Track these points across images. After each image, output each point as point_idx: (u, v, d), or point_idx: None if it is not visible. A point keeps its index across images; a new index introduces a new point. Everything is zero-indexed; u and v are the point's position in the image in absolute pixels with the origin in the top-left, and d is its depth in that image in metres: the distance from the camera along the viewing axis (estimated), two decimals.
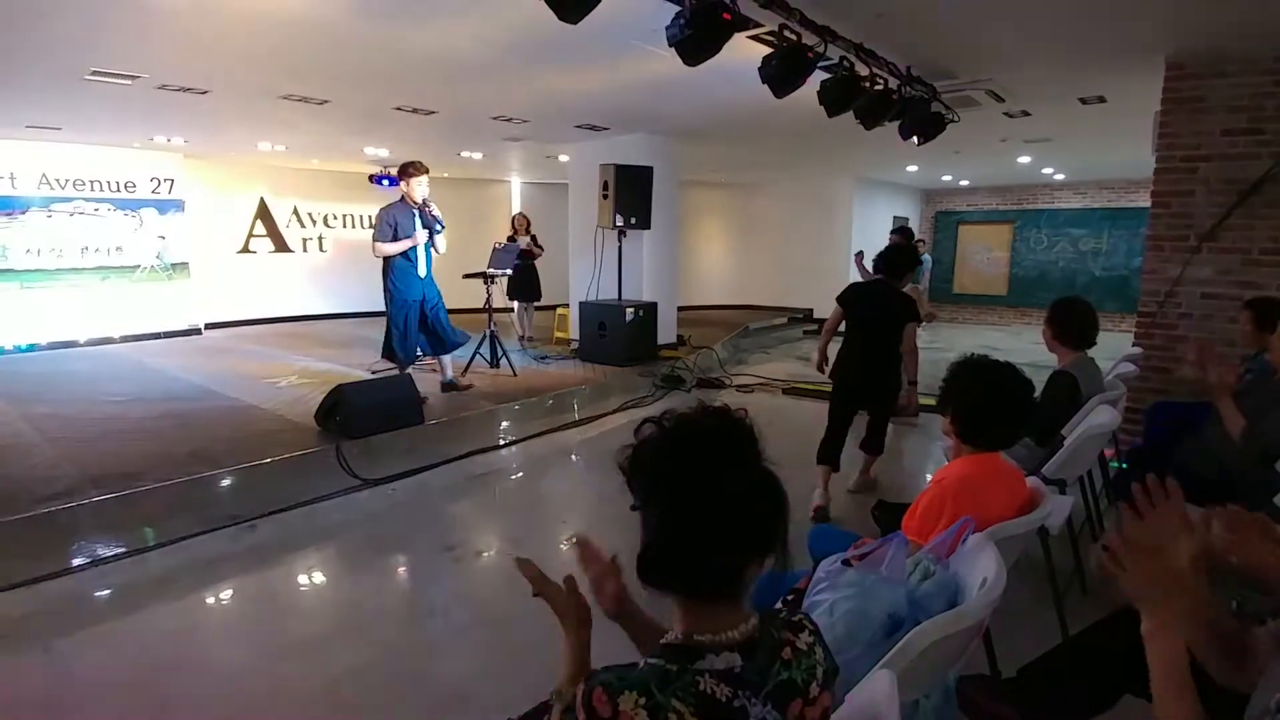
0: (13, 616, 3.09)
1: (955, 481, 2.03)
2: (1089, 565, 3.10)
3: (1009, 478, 2.12)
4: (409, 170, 5.73)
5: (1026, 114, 6.62)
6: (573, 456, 5.85)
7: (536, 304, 9.64)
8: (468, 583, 3.55)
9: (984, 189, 14.09)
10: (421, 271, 5.86)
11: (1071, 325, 3.36)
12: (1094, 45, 4.53)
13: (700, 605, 1.02)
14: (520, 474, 5.39)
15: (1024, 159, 9.92)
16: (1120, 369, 4.11)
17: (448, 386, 6.36)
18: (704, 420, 1.07)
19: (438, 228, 5.82)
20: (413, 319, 5.89)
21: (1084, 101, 6.04)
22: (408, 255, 5.76)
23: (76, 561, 3.55)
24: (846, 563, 1.78)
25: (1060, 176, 12.26)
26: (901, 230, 8.64)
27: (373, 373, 6.49)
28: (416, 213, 5.74)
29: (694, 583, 1.02)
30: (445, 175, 11.49)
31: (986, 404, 2.09)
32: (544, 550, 3.89)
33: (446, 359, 6.38)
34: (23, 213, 8.66)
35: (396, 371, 5.88)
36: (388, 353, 6.06)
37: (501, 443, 5.78)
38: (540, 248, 9.39)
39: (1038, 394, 2.35)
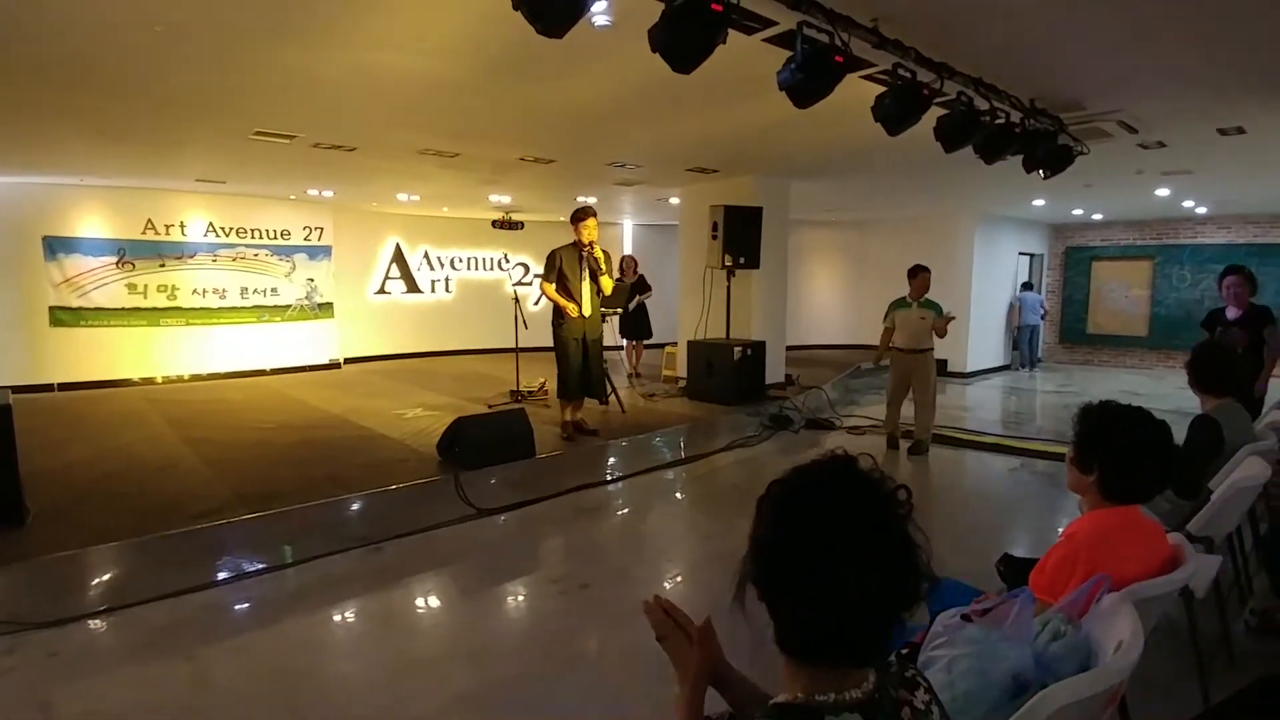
0: (160, 625, 3.38)
1: (1089, 536, 1.89)
2: (1236, 632, 2.79)
3: (1148, 533, 1.95)
4: (575, 215, 6.06)
5: (1162, 145, 6.17)
6: (678, 494, 5.85)
7: (647, 342, 9.82)
8: (573, 616, 3.61)
9: (1119, 223, 13.13)
10: (586, 311, 6.11)
11: (1213, 369, 3.09)
12: (1228, 75, 4.22)
13: (828, 668, 0.98)
14: (626, 510, 5.45)
15: (1162, 191, 9.20)
16: (1272, 417, 3.70)
17: (578, 429, 6.36)
18: (834, 484, 0.99)
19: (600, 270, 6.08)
20: (576, 357, 6.12)
21: (1223, 132, 5.59)
22: (569, 296, 6.05)
23: (220, 575, 3.87)
24: (966, 618, 1.69)
25: (1203, 210, 11.28)
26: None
27: (490, 407, 6.79)
28: (582, 255, 6.03)
29: (841, 653, 0.97)
30: (560, 219, 12.00)
31: (1134, 455, 1.90)
32: (649, 588, 3.90)
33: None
34: (191, 257, 9.74)
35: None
36: (560, 391, 6.30)
37: (608, 478, 5.87)
38: (648, 286, 9.62)
39: (1177, 441, 2.15)
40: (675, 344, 9.52)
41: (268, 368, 10.34)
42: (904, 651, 1.75)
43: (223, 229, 9.96)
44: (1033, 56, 4.04)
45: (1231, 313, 4.88)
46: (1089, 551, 1.83)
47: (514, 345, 8.20)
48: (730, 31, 2.99)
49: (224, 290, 10.03)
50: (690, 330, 8.56)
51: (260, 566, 3.98)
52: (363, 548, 4.28)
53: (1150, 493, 1.98)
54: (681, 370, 8.88)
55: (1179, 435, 2.08)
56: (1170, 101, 4.85)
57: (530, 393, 7.91)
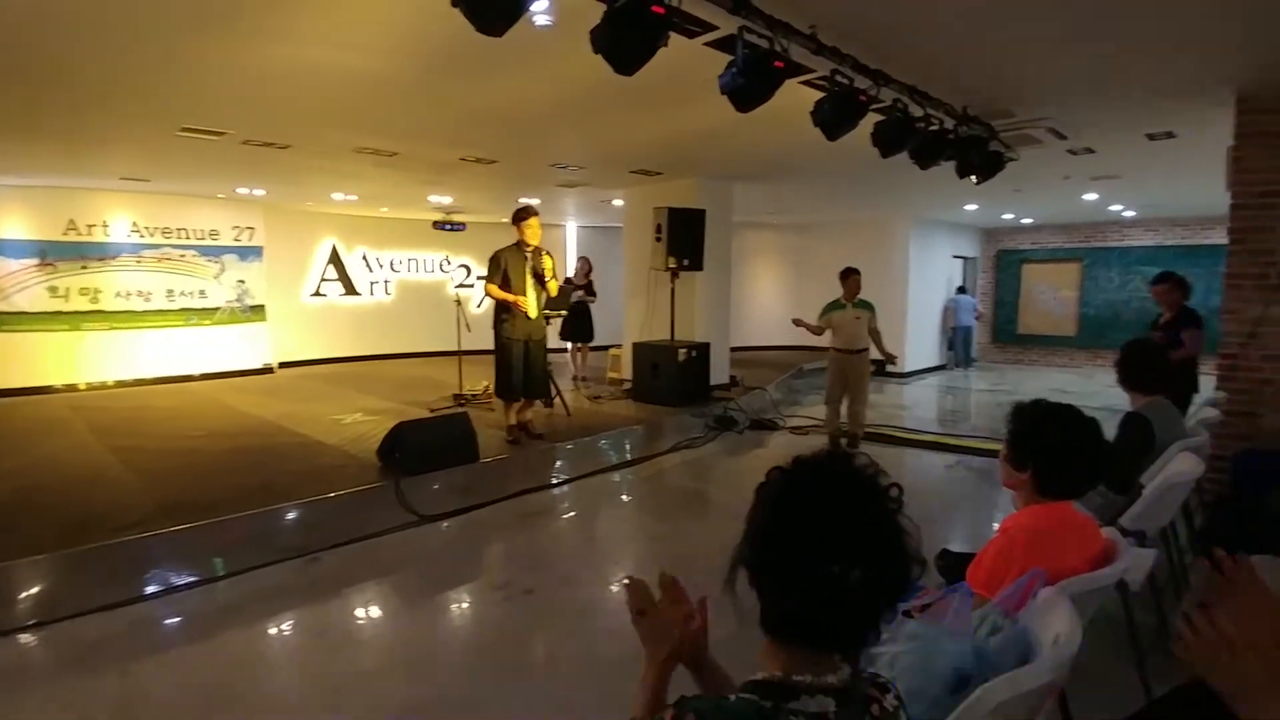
0: (90, 640, 3.23)
1: (1025, 531, 1.94)
2: (1173, 624, 2.91)
3: (1082, 528, 2.01)
4: (516, 216, 5.96)
5: (1091, 151, 6.45)
6: (624, 496, 5.83)
7: (590, 345, 9.77)
8: (517, 622, 3.55)
9: (1049, 227, 13.71)
10: (531, 313, 6.00)
11: (1142, 367, 3.22)
12: (1157, 81, 4.42)
13: (808, 650, 1.00)
14: (572, 513, 5.40)
15: (1090, 196, 9.64)
16: (1203, 414, 3.90)
17: (525, 431, 6.24)
18: (838, 473, 1.02)
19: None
20: (518, 358, 6.02)
21: (1152, 137, 5.87)
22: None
23: (150, 589, 3.70)
24: (908, 614, 1.71)
25: (1130, 214, 11.86)
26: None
27: (432, 411, 6.64)
28: (526, 256, 5.94)
29: (827, 639, 1.00)
30: (503, 220, 11.85)
31: (1066, 452, 1.95)
32: (594, 592, 3.87)
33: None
34: (114, 258, 9.26)
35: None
36: (499, 391, 6.20)
37: (554, 481, 5.81)
38: (592, 294, 9.58)
39: (1107, 438, 2.23)
40: (620, 346, 9.50)
41: (196, 373, 9.88)
42: None
43: (147, 229, 9.50)
44: (964, 65, 4.17)
45: (1165, 317, 5.13)
46: (1025, 546, 1.88)
47: (456, 348, 8.04)
48: (672, 35, 2.98)
49: (149, 293, 9.57)
50: (635, 332, 8.56)
51: (191, 579, 3.81)
52: (298, 558, 4.12)
53: (1082, 488, 2.03)
54: (627, 372, 8.87)
55: (1109, 432, 2.15)
56: (1099, 108, 5.06)
57: (474, 396, 7.78)
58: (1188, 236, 12.36)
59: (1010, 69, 4.23)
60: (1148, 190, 9.32)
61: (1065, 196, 9.75)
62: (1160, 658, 2.76)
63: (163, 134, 5.80)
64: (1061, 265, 13.70)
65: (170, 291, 9.74)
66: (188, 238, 9.83)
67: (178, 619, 3.51)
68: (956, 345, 13.50)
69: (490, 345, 6.18)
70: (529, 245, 5.92)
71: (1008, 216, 12.61)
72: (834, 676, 0.98)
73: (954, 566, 2.58)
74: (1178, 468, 2.74)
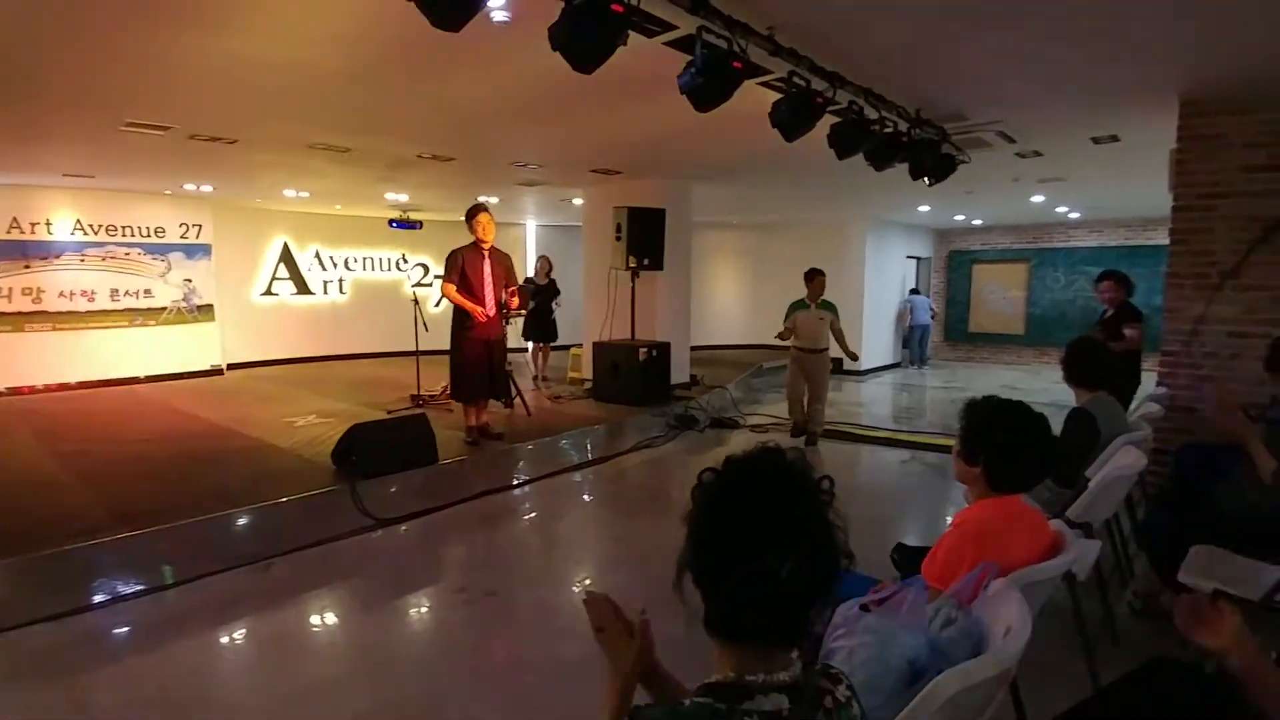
0: (36, 651, 3.12)
1: (976, 525, 1.99)
2: (1119, 612, 3.02)
3: (1031, 521, 2.07)
4: (468, 214, 5.91)
5: (1038, 154, 6.64)
6: (585, 497, 5.81)
7: (551, 344, 9.72)
8: (478, 626, 3.50)
9: (998, 228, 14.09)
10: (490, 312, 5.94)
11: (1086, 364, 3.33)
12: (1103, 86, 4.55)
13: (758, 648, 1.01)
14: (533, 514, 5.36)
15: (1037, 198, 9.93)
16: (1146, 409, 4.04)
17: (483, 433, 6.16)
18: (766, 470, 1.04)
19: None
20: (478, 358, 5.95)
21: (1097, 141, 6.06)
22: (472, 296, 5.87)
23: (98, 598, 3.57)
24: (865, 607, 1.74)
25: (1075, 215, 12.25)
26: None
27: (389, 413, 6.53)
28: (484, 255, 5.88)
29: (768, 633, 1.00)
30: (462, 218, 11.73)
31: (1016, 447, 2.01)
32: (557, 593, 3.84)
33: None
34: (57, 257, 8.92)
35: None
36: (455, 393, 6.12)
37: (515, 483, 5.76)
38: (557, 292, 9.52)
39: (1054, 433, 2.30)
40: (580, 346, 9.47)
41: (142, 375, 9.56)
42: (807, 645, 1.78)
43: (91, 226, 9.16)
44: (916, 69, 4.25)
45: (1109, 314, 5.31)
46: (977, 539, 1.92)
47: (414, 348, 7.92)
48: (631, 33, 2.98)
49: (93, 292, 9.23)
50: (595, 332, 8.54)
51: (140, 588, 3.68)
52: (251, 565, 4.00)
53: (1031, 482, 2.09)
54: (587, 372, 8.84)
55: (1055, 427, 2.22)
56: (1047, 112, 5.19)
57: (432, 397, 7.67)
58: (1130, 237, 12.80)
59: (960, 72, 4.33)
60: (1092, 192, 9.62)
61: (1014, 198, 10.02)
62: (1107, 647, 2.86)
63: (106, 129, 5.59)
64: (1010, 265, 14.09)
65: (115, 291, 9.40)
66: (133, 235, 9.51)
67: (126, 629, 3.39)
68: (912, 344, 13.79)
69: (448, 344, 6.10)
70: (485, 243, 5.87)
71: (959, 218, 12.92)
72: (786, 673, 0.99)
73: (909, 560, 2.63)
74: (1121, 461, 2.83)
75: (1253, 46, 3.76)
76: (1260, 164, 4.44)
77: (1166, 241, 4.90)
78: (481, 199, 9.95)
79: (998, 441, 2.01)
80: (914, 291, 13.94)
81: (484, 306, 5.89)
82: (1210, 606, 1.32)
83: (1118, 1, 3.22)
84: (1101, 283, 5.34)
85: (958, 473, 2.12)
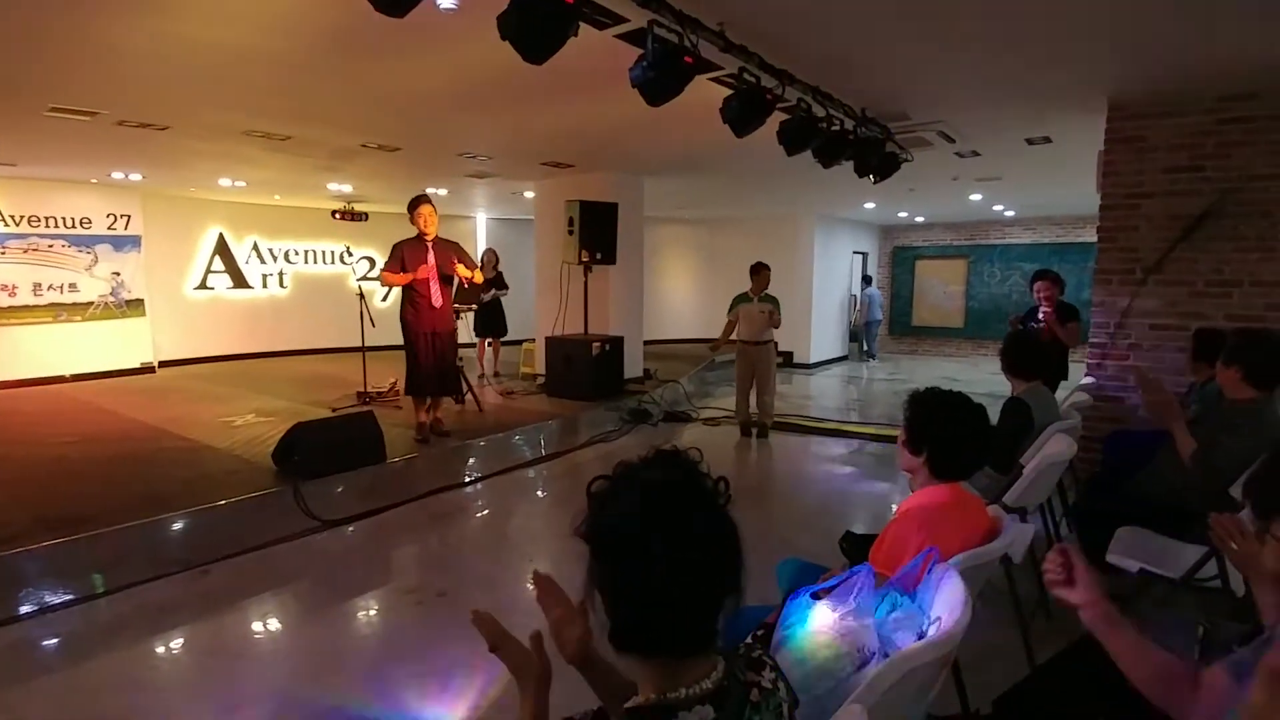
0: None
1: (920, 511, 2.04)
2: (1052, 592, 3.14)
3: (972, 507, 2.14)
4: (409, 206, 5.83)
5: (976, 154, 6.86)
6: (538, 493, 5.78)
7: (503, 339, 9.61)
8: (431, 628, 3.45)
9: (939, 225, 14.52)
10: (436, 302, 5.85)
11: (1022, 356, 3.47)
12: (1037, 90, 4.72)
13: (673, 662, 0.98)
14: (484, 512, 5.30)
15: (975, 197, 10.26)
16: (1075, 399, 4.22)
17: (432, 430, 6.06)
18: (655, 476, 1.01)
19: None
20: (426, 352, 5.86)
21: (1030, 142, 6.29)
22: (417, 287, 5.76)
23: (24, 609, 3.41)
24: (816, 596, 1.77)
25: (1011, 213, 12.71)
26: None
27: (334, 411, 6.36)
28: (428, 248, 5.78)
29: (674, 644, 0.98)
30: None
31: (958, 437, 2.08)
32: (511, 592, 3.81)
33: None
34: None
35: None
36: (410, 389, 5.99)
37: (466, 480, 5.68)
38: (504, 287, 9.41)
39: (992, 422, 2.38)
40: (533, 340, 9.39)
41: (67, 373, 9.10)
42: (759, 633, 1.81)
43: (12, 217, 8.67)
44: (861, 69, 4.33)
45: (1043, 311, 5.51)
46: (921, 526, 1.98)
47: (360, 344, 7.72)
48: (582, 25, 2.96)
49: (14, 286, 8.75)
50: (548, 326, 8.48)
51: (68, 598, 3.52)
52: (187, 571, 3.86)
53: (971, 470, 2.16)
54: (540, 367, 8.78)
55: (993, 416, 2.30)
56: (984, 113, 5.36)
57: (379, 394, 7.50)
58: (1062, 235, 13.34)
59: (903, 73, 4.42)
60: (1027, 191, 9.97)
61: (954, 196, 10.33)
62: (1041, 625, 2.98)
63: (29, 114, 5.29)
64: (950, 261, 14.55)
65: (38, 285, 8.93)
66: (57, 227, 9.02)
67: (56, 640, 3.24)
68: (864, 337, 14.12)
69: (398, 340, 5.99)
70: (429, 236, 5.78)
71: (903, 215, 13.26)
72: (709, 680, 0.97)
73: (857, 548, 2.69)
74: (1054, 449, 2.94)
75: (1175, 54, 3.95)
76: (1181, 165, 4.68)
77: (1095, 239, 5.12)
78: (429, 190, 9.76)
79: (940, 433, 2.08)
80: (866, 280, 14.27)
81: (428, 297, 5.79)
82: (1074, 565, 1.43)
83: (1052, 7, 3.34)
84: (1037, 282, 5.56)
85: (903, 462, 2.18)
